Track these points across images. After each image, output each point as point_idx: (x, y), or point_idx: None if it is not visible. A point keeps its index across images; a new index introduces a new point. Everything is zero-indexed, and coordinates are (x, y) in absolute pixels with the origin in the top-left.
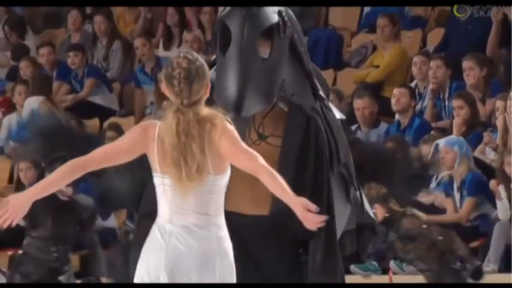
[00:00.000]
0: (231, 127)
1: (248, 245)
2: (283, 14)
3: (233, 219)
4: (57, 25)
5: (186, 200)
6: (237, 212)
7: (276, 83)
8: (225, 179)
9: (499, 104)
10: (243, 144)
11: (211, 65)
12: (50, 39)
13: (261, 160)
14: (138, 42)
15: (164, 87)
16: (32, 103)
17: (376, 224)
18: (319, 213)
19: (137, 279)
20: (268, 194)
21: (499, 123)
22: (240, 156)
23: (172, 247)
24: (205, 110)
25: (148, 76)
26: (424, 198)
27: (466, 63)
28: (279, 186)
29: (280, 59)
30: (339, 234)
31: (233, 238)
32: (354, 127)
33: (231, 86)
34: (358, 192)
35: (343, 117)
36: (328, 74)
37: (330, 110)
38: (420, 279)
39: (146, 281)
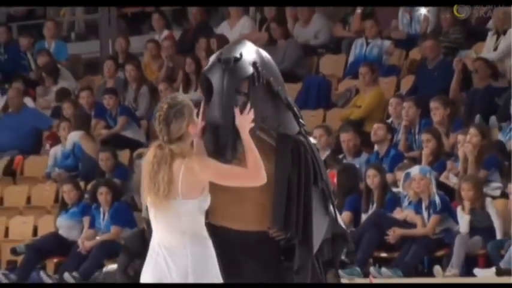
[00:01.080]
0: (203, 158)
1: (234, 255)
2: (258, 64)
3: (220, 232)
4: (95, 73)
5: (159, 222)
6: (224, 226)
7: (255, 123)
8: (196, 204)
9: (460, 137)
10: (221, 166)
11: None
12: (89, 84)
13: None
14: (161, 87)
15: None
16: (74, 137)
17: (347, 234)
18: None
19: None
20: (254, 213)
21: (460, 153)
22: (219, 174)
23: (158, 267)
24: (180, 147)
25: None
26: (398, 214)
27: (433, 104)
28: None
29: (257, 103)
30: (319, 242)
31: (219, 248)
32: (340, 156)
33: (214, 132)
34: (332, 206)
35: (315, 141)
36: (318, 113)
37: (308, 134)
38: (395, 280)
39: None
